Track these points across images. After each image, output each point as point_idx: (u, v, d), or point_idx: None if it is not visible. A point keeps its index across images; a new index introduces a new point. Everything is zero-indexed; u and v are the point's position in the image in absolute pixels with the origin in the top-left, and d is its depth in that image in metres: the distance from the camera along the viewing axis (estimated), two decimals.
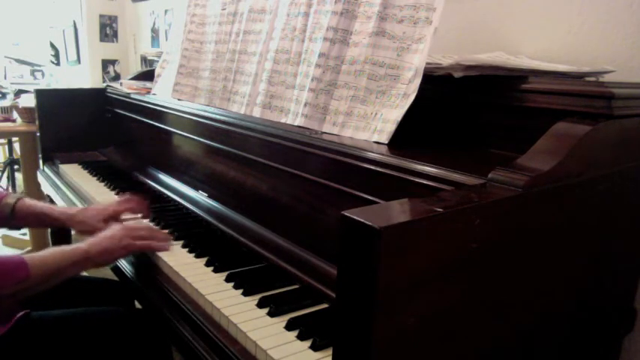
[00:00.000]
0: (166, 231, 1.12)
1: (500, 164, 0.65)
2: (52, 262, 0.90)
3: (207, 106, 1.38)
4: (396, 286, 0.48)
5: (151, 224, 1.18)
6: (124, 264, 1.07)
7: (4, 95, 3.14)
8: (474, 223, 0.54)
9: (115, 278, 1.16)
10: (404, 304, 0.50)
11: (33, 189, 2.63)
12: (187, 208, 1.29)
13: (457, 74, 0.84)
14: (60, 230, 1.79)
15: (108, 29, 3.29)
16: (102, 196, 1.40)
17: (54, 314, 1.00)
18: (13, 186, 3.66)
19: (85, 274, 1.22)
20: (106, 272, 1.15)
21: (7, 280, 0.84)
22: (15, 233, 3.05)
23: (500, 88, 0.84)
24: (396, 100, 0.91)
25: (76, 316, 1.02)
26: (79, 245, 0.94)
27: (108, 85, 2.04)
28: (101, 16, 3.26)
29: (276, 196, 1.08)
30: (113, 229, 0.99)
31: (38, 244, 2.84)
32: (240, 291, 0.85)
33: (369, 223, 0.46)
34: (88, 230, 1.11)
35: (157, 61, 1.77)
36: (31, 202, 1.18)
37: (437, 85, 0.91)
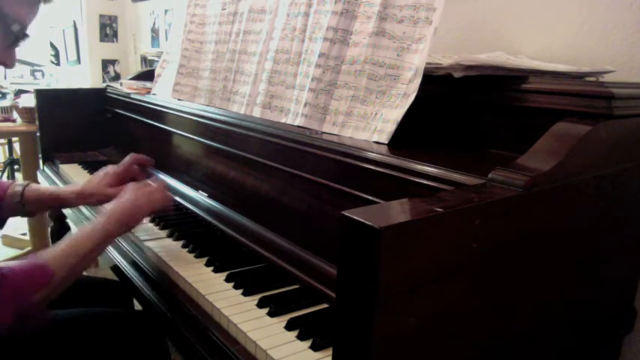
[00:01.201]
0: (166, 231, 1.12)
1: (500, 164, 0.65)
2: (72, 252, 0.83)
3: (207, 106, 1.38)
4: (396, 286, 0.48)
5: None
6: (124, 264, 1.07)
7: (4, 95, 3.14)
8: (474, 223, 0.54)
9: (115, 278, 1.16)
10: (404, 304, 0.50)
11: None
12: (187, 208, 1.29)
13: (457, 74, 0.84)
14: (59, 229, 1.79)
15: (108, 29, 3.30)
16: None
17: (51, 314, 1.00)
18: None
19: (84, 273, 1.22)
20: (106, 272, 1.14)
21: (36, 285, 0.77)
22: (15, 233, 3.05)
23: (500, 88, 0.84)
24: (396, 100, 0.91)
25: (74, 317, 1.02)
26: (96, 223, 0.88)
27: (108, 85, 2.04)
28: (101, 16, 3.26)
29: (276, 196, 1.08)
30: (125, 193, 0.96)
31: (38, 245, 2.84)
32: (240, 291, 0.85)
33: (369, 223, 0.46)
34: (101, 200, 1.09)
35: (157, 61, 1.77)
36: (38, 186, 1.17)
37: (437, 85, 0.91)
